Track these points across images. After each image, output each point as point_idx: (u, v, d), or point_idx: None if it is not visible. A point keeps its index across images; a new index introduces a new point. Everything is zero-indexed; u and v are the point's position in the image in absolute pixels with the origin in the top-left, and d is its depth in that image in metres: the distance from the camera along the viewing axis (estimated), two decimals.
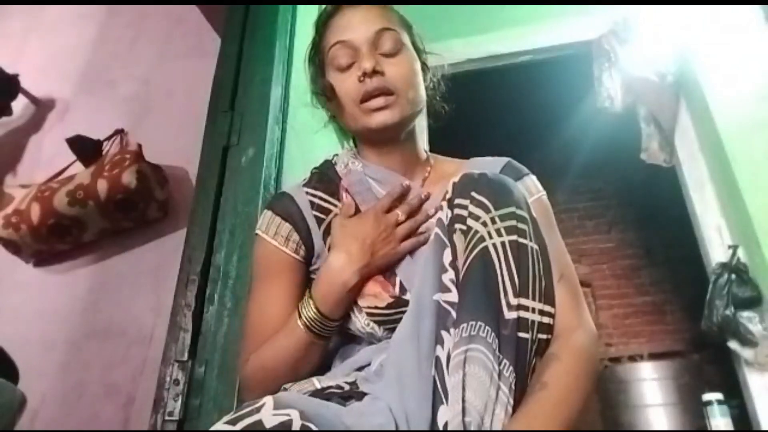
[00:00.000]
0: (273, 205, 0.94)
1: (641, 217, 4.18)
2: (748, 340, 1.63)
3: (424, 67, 0.99)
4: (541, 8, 2.15)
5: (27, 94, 2.23)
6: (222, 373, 1.19)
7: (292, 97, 1.60)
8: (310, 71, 0.99)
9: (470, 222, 0.68)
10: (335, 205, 0.91)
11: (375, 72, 0.87)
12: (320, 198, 0.92)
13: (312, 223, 0.90)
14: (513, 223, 0.68)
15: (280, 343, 0.82)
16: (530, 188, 0.89)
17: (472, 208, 0.69)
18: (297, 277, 0.89)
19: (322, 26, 0.96)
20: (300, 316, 0.81)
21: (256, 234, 0.92)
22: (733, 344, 1.67)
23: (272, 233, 0.89)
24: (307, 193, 0.93)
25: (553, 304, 0.68)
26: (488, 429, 0.60)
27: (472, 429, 0.60)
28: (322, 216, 0.90)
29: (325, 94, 0.92)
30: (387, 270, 0.83)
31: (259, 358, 0.83)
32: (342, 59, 0.90)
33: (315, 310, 0.80)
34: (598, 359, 0.76)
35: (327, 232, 0.89)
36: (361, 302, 0.81)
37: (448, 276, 0.68)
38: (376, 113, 0.88)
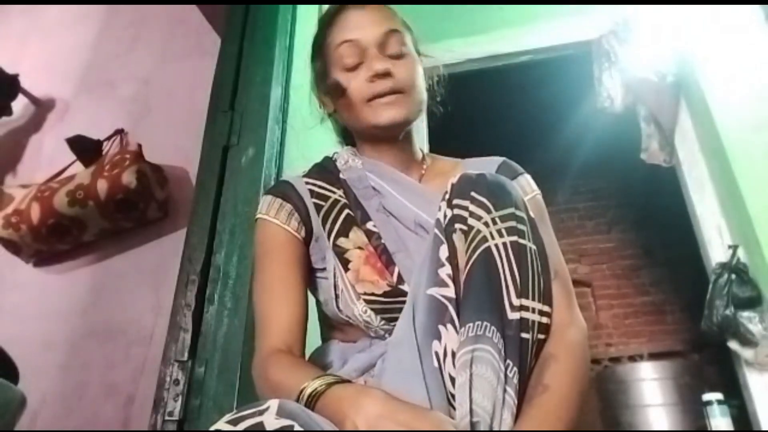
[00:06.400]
0: (272, 190, 0.95)
1: (641, 217, 4.18)
2: (748, 340, 1.63)
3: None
4: (541, 8, 2.15)
5: (27, 94, 2.23)
6: (222, 373, 1.19)
7: (292, 97, 1.60)
8: (315, 68, 0.99)
9: (472, 221, 0.68)
10: (334, 192, 0.92)
11: (386, 74, 0.88)
12: (319, 186, 0.93)
13: (311, 208, 0.91)
14: (513, 224, 0.68)
15: (280, 385, 0.72)
16: (525, 187, 0.90)
17: (473, 208, 0.69)
18: (299, 255, 0.88)
19: (326, 24, 0.96)
20: (305, 389, 0.67)
21: (257, 219, 0.92)
22: (733, 344, 1.67)
23: (273, 214, 0.90)
24: (306, 182, 0.94)
25: (550, 304, 0.69)
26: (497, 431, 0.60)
27: (480, 429, 0.60)
28: (321, 203, 0.91)
29: (333, 93, 0.93)
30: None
31: (265, 380, 0.77)
32: (349, 58, 0.90)
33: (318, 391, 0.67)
34: (589, 355, 0.75)
35: (325, 218, 0.89)
36: (359, 288, 0.80)
37: (445, 271, 0.68)
38: (384, 110, 0.89)
